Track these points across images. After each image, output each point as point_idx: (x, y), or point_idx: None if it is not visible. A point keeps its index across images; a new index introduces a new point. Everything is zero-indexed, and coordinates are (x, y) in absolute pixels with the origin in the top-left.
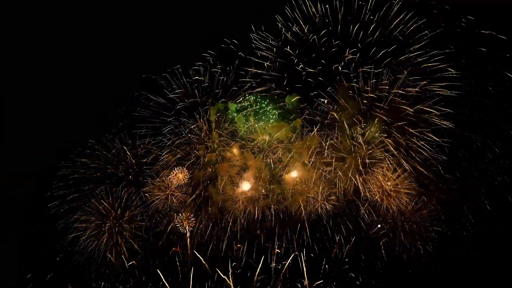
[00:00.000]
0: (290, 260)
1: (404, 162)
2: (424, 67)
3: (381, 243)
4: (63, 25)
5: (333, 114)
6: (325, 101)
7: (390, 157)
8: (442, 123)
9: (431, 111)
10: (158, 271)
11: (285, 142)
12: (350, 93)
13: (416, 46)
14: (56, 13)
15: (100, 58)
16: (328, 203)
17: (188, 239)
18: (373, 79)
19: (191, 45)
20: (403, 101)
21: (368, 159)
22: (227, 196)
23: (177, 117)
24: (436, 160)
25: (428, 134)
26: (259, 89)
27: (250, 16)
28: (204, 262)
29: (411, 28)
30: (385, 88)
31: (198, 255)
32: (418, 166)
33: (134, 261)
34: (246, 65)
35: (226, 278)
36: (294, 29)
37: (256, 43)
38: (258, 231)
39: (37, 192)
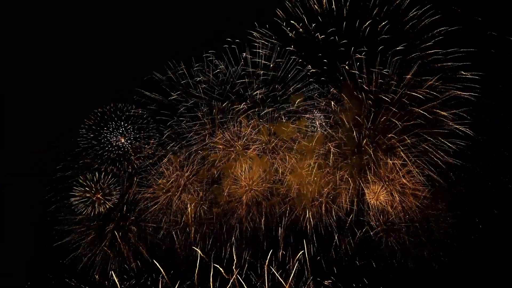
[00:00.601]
0: (296, 262)
1: (409, 163)
2: (432, 67)
3: (383, 246)
4: (64, 26)
5: (338, 115)
6: (330, 101)
7: (396, 158)
8: (448, 122)
9: (438, 112)
10: (155, 262)
11: (288, 142)
12: (355, 93)
13: (423, 45)
14: (56, 13)
15: (100, 59)
16: (332, 203)
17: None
18: (380, 79)
19: (191, 45)
20: (409, 102)
21: (373, 160)
22: (232, 198)
23: (180, 118)
24: (442, 162)
25: (437, 136)
26: (263, 89)
27: (251, 16)
28: (210, 263)
29: (421, 25)
30: (392, 88)
31: (203, 255)
32: (425, 169)
33: (138, 261)
34: (249, 65)
35: (230, 279)
36: (297, 27)
37: (258, 43)
38: (262, 231)
39: (37, 193)
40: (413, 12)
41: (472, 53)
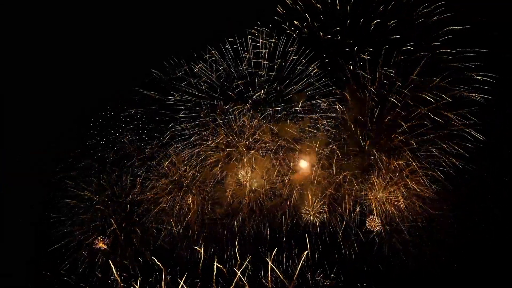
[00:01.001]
0: (300, 262)
1: (414, 164)
2: (440, 67)
3: (385, 246)
4: (64, 26)
5: (341, 115)
6: (334, 102)
7: (400, 159)
8: (454, 123)
9: (443, 112)
10: (158, 262)
11: (291, 142)
12: (359, 93)
13: (431, 45)
14: (56, 13)
15: (100, 59)
16: (335, 204)
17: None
18: (384, 79)
19: (192, 45)
20: (414, 103)
21: (377, 161)
22: (234, 198)
23: (182, 118)
24: (448, 163)
25: (444, 138)
26: (265, 89)
27: (251, 16)
28: (213, 263)
29: (429, 22)
30: (397, 88)
31: (206, 255)
32: (429, 169)
33: (140, 260)
34: (251, 65)
35: (233, 279)
36: (299, 26)
37: (260, 43)
38: (265, 232)
39: (37, 193)
40: (420, 10)
41: (483, 54)
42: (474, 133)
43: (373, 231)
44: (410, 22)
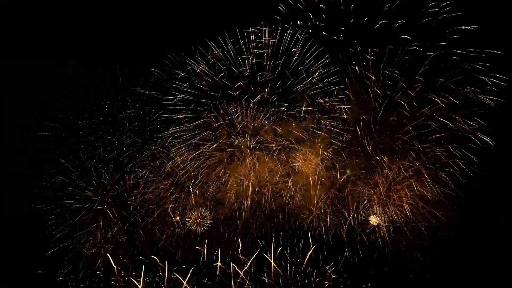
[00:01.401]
0: (304, 263)
1: (417, 164)
2: (446, 67)
3: (388, 247)
4: (64, 26)
5: (345, 115)
6: (337, 102)
7: (403, 160)
8: (459, 123)
9: (447, 113)
10: (161, 264)
11: (294, 142)
12: (363, 93)
13: (437, 45)
14: (56, 12)
15: (99, 59)
16: (338, 205)
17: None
18: (388, 80)
19: (192, 45)
20: (419, 104)
21: (380, 161)
22: (237, 199)
23: (185, 119)
24: (452, 164)
25: (448, 139)
26: (267, 89)
27: (251, 16)
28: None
29: (437, 21)
30: (402, 89)
31: (209, 255)
32: (433, 170)
33: (142, 259)
34: (254, 65)
35: (237, 280)
36: (302, 25)
37: (262, 43)
38: (268, 233)
39: (37, 193)
40: (426, 10)
41: (491, 55)
42: (479, 134)
43: (375, 230)
44: (415, 22)
